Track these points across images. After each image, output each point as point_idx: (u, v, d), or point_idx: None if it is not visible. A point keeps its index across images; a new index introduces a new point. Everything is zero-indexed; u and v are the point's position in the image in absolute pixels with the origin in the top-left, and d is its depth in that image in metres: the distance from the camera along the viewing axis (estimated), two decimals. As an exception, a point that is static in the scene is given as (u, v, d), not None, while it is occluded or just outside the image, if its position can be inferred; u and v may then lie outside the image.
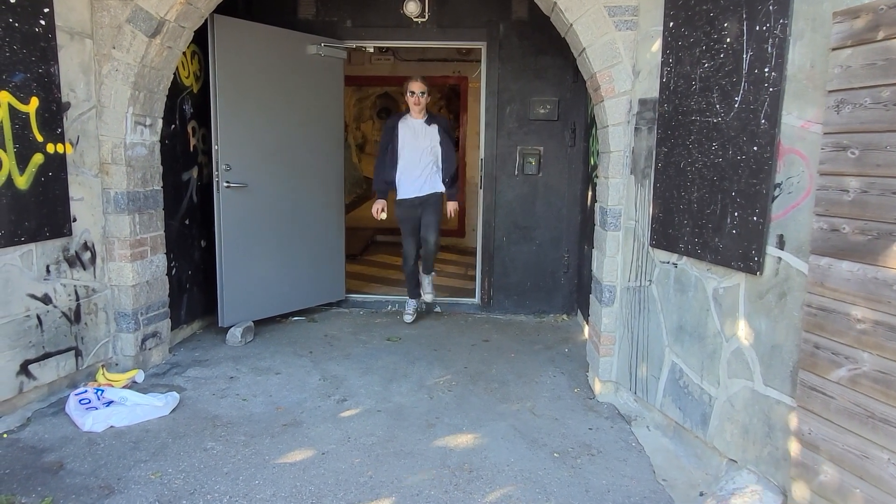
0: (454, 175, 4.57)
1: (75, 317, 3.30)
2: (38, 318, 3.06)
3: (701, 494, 2.47)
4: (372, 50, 6.74)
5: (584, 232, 4.64)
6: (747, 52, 2.35)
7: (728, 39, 2.44)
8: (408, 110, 4.50)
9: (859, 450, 1.86)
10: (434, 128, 4.49)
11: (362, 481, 2.53)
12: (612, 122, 3.24)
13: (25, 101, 2.92)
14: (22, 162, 2.92)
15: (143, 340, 3.66)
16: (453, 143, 4.60)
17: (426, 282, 4.77)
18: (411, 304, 4.84)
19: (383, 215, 4.49)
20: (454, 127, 8.80)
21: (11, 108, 2.85)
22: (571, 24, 3.21)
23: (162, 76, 3.62)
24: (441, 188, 4.55)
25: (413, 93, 4.40)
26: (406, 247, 4.67)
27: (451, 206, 4.62)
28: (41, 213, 3.02)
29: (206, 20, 3.78)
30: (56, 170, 3.11)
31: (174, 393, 3.25)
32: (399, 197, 4.50)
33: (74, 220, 3.26)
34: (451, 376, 3.68)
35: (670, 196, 2.81)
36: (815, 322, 2.01)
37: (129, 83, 3.38)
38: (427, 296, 4.76)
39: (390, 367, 3.82)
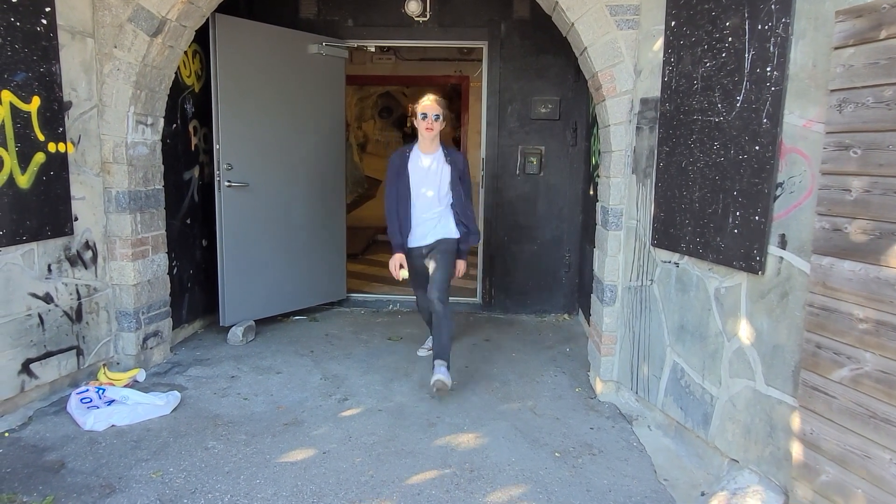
0: (472, 227, 3.61)
1: (77, 316, 3.30)
2: (40, 316, 3.07)
3: (702, 494, 2.47)
4: (373, 49, 6.72)
5: (586, 231, 4.63)
6: (749, 52, 2.35)
7: (730, 38, 2.44)
8: (415, 140, 3.55)
9: (861, 450, 1.86)
10: (448, 167, 3.51)
11: (363, 480, 2.52)
12: (613, 122, 3.23)
13: (27, 101, 2.92)
14: (23, 161, 2.92)
15: (145, 339, 3.66)
16: (470, 187, 3.63)
17: (439, 371, 3.30)
18: (430, 341, 3.92)
19: (404, 273, 3.57)
20: (455, 127, 8.80)
21: (13, 108, 2.85)
22: (573, 24, 3.20)
23: (163, 75, 3.62)
24: (454, 233, 3.58)
25: (425, 116, 3.38)
26: (419, 300, 3.85)
27: (460, 266, 3.67)
28: (43, 212, 3.03)
29: (207, 19, 3.79)
30: (57, 169, 3.11)
31: (175, 392, 3.26)
32: (408, 245, 3.61)
33: (76, 219, 3.26)
34: (451, 376, 3.67)
35: (672, 195, 2.81)
36: (817, 322, 2.00)
37: (130, 82, 3.38)
38: (438, 381, 3.25)
39: (391, 367, 3.82)
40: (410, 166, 3.49)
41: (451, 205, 3.58)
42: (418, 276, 3.70)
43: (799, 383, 2.10)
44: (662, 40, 2.88)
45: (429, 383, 3.41)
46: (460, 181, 3.54)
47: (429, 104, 3.40)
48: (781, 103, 2.22)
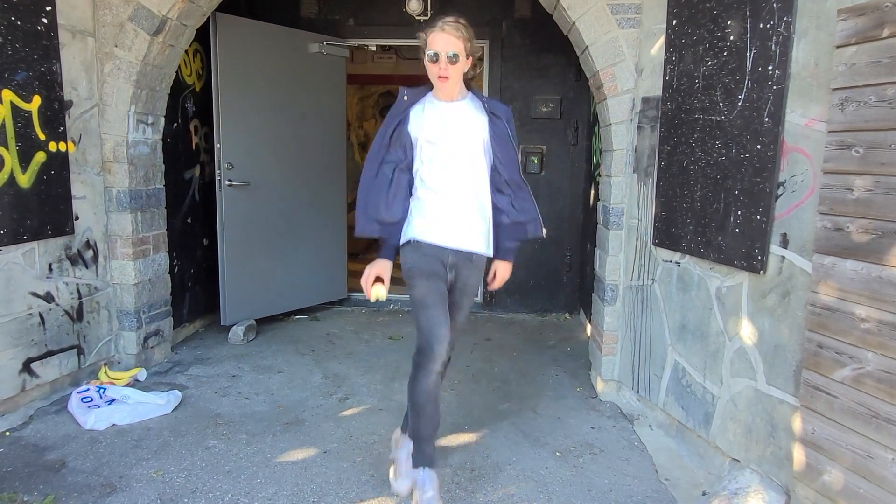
0: (531, 212, 2.31)
1: (77, 315, 3.30)
2: (41, 316, 3.07)
3: (704, 494, 2.46)
4: (374, 48, 6.73)
5: (587, 230, 4.63)
6: (751, 50, 2.34)
7: (731, 37, 2.43)
8: (431, 88, 2.27)
9: (863, 450, 1.86)
10: (483, 120, 2.24)
11: (364, 480, 2.52)
12: (614, 121, 3.23)
13: (28, 100, 2.92)
14: (24, 160, 2.92)
15: (146, 339, 3.66)
16: (517, 150, 2.32)
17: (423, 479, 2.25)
18: (403, 485, 2.36)
19: (380, 292, 2.22)
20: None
21: (14, 107, 2.85)
22: (574, 22, 3.20)
23: (164, 74, 3.62)
24: (488, 246, 2.31)
25: (436, 57, 2.14)
26: (429, 331, 2.15)
27: (502, 272, 2.43)
28: (43, 211, 3.03)
29: (208, 18, 3.78)
30: (58, 168, 3.11)
31: (176, 391, 3.25)
32: (417, 236, 2.22)
33: (77, 218, 3.26)
34: (452, 375, 3.67)
35: (673, 194, 2.80)
36: (819, 321, 2.00)
37: (131, 81, 3.38)
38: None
39: (392, 366, 3.81)
40: (416, 119, 2.21)
41: (491, 183, 2.27)
42: (432, 286, 2.20)
43: (800, 383, 2.10)
44: (664, 39, 2.87)
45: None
46: (506, 143, 2.24)
47: (441, 36, 2.12)
48: (783, 102, 2.21)
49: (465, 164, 2.22)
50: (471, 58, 2.21)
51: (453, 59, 2.14)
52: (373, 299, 2.24)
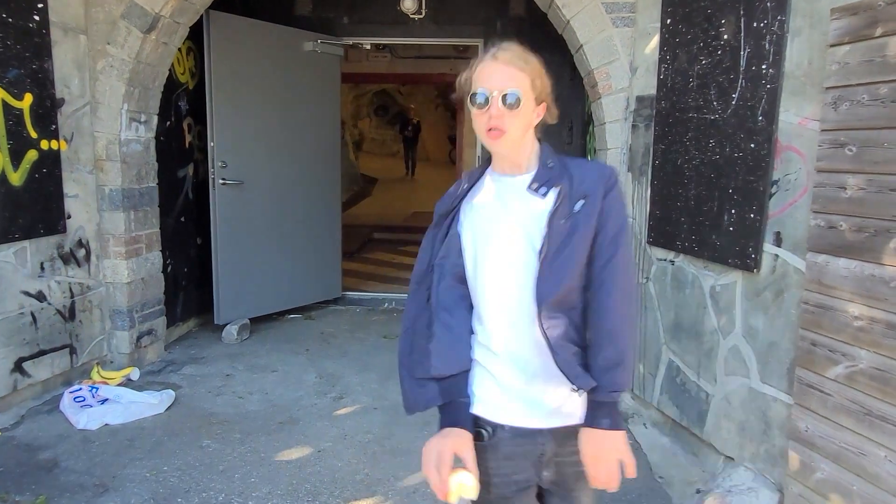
0: (619, 351, 1.24)
1: (70, 314, 3.28)
2: (33, 315, 3.05)
3: (698, 492, 2.47)
4: (369, 47, 6.72)
5: (581, 229, 4.63)
6: (745, 49, 2.34)
7: (725, 36, 2.44)
8: (488, 162, 1.44)
9: (856, 447, 1.86)
10: (561, 201, 1.36)
11: (358, 479, 2.52)
12: (609, 119, 3.23)
13: (19, 98, 2.90)
14: (16, 158, 2.90)
15: (139, 338, 3.64)
16: (629, 249, 1.33)
17: None
18: None
19: (466, 485, 1.26)
20: (451, 126, 8.78)
21: (5, 105, 2.83)
22: (569, 21, 3.20)
23: (157, 72, 3.60)
24: (578, 405, 1.30)
25: (485, 99, 1.30)
26: None
27: (599, 452, 1.24)
28: (35, 209, 3.01)
29: (201, 16, 3.77)
30: (50, 166, 3.09)
31: (170, 390, 3.24)
32: (488, 416, 1.35)
33: (69, 216, 3.24)
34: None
35: (667, 193, 2.80)
36: (812, 319, 2.00)
37: (123, 79, 3.36)
38: None
39: (387, 365, 3.81)
40: (466, 212, 1.41)
41: (588, 300, 1.31)
42: None
43: (794, 381, 2.10)
44: (658, 38, 2.88)
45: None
46: (596, 233, 1.32)
47: (493, 68, 1.34)
48: (777, 101, 2.22)
49: (523, 266, 1.31)
50: (544, 104, 1.42)
51: (511, 103, 1.31)
52: (454, 499, 1.28)
